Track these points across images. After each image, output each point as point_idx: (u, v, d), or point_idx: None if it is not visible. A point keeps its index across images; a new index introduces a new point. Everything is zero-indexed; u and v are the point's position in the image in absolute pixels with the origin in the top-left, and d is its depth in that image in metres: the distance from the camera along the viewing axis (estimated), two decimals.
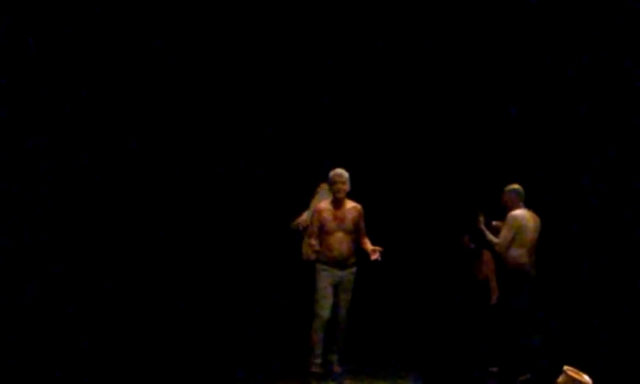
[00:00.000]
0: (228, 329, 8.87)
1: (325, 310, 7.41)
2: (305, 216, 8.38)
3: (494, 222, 8.00)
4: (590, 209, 8.96)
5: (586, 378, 6.22)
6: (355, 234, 7.51)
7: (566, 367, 6.26)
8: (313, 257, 7.57)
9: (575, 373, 6.22)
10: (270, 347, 8.59)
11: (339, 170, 7.48)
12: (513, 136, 9.37)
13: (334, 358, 7.55)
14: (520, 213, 7.75)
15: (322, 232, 7.48)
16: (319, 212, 7.52)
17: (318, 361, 7.47)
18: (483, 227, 7.88)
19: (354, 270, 7.54)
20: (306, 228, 8.27)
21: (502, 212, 7.85)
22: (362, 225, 7.54)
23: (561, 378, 6.21)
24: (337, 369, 7.54)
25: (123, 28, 9.10)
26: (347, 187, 7.48)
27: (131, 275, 9.10)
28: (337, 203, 7.50)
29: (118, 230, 9.13)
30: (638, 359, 7.88)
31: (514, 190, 7.85)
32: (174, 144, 9.39)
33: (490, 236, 7.79)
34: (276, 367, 7.94)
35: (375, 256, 7.31)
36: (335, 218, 7.46)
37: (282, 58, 9.57)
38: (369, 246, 7.44)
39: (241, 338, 8.68)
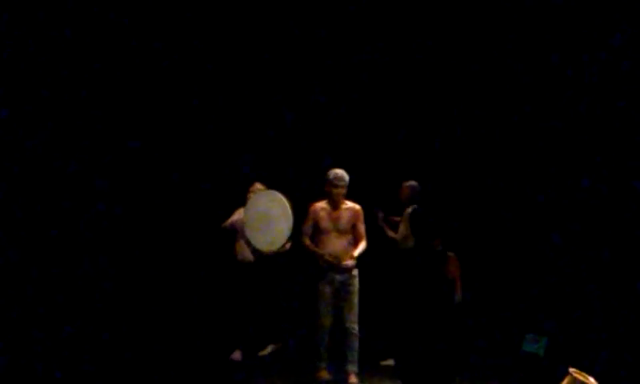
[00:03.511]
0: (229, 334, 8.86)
1: (326, 316, 7.30)
2: (236, 216, 8.34)
3: (395, 218, 8.29)
4: (590, 208, 8.99)
5: (592, 380, 6.21)
6: (352, 235, 7.36)
7: (571, 369, 6.24)
8: (322, 256, 7.36)
9: (581, 375, 6.21)
10: (274, 350, 8.61)
11: (339, 171, 7.35)
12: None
13: (350, 368, 7.34)
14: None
15: (317, 231, 7.36)
16: (314, 210, 7.38)
17: (324, 365, 7.37)
18: (383, 223, 8.15)
19: (354, 272, 7.35)
20: (235, 229, 8.27)
21: (399, 207, 8.10)
22: (360, 226, 7.39)
23: (566, 381, 6.19)
24: (353, 379, 7.34)
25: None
26: (345, 189, 7.35)
27: (130, 279, 9.10)
28: (333, 203, 7.36)
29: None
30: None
31: (411, 185, 8.12)
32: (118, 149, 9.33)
33: (390, 232, 7.95)
34: (282, 372, 7.94)
35: (345, 261, 7.20)
36: (330, 217, 7.34)
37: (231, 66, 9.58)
38: (353, 250, 7.28)
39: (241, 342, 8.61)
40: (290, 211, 7.86)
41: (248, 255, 8.37)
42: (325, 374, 7.38)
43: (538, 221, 9.13)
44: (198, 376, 7.64)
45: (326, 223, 7.35)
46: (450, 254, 7.96)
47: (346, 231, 7.35)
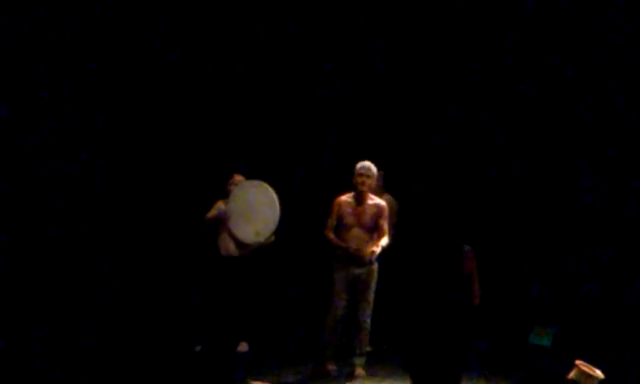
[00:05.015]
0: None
1: (338, 308, 7.25)
2: (216, 209, 8.11)
3: None
4: (595, 204, 9.02)
5: (598, 372, 6.21)
6: (375, 231, 7.28)
7: (577, 362, 6.24)
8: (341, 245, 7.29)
9: (587, 367, 6.20)
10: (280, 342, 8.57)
11: (367, 163, 7.28)
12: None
13: (357, 361, 7.34)
14: (389, 198, 8.08)
15: (340, 226, 7.29)
16: (339, 204, 7.32)
17: (331, 355, 7.35)
18: None
19: (373, 267, 7.29)
20: (218, 222, 8.07)
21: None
22: (383, 223, 7.29)
23: (573, 373, 6.19)
24: (359, 372, 7.32)
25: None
26: (372, 182, 7.28)
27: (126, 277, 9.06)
28: (358, 197, 7.30)
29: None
30: None
31: (380, 175, 7.96)
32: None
33: None
34: (289, 363, 7.87)
35: (371, 249, 7.14)
36: (354, 212, 7.27)
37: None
38: (376, 242, 7.22)
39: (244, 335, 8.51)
40: (276, 201, 7.78)
41: (232, 249, 8.20)
42: (332, 366, 7.36)
43: (545, 213, 9.16)
44: (203, 369, 7.59)
45: (349, 218, 7.27)
46: (466, 247, 7.89)
47: (369, 227, 7.28)
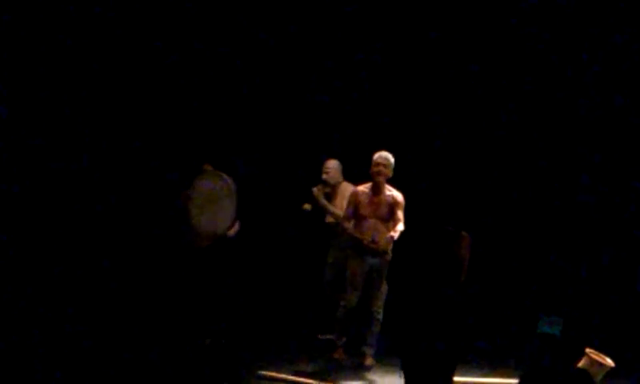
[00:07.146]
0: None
1: (352, 297, 7.28)
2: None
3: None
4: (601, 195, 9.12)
5: (609, 360, 6.20)
6: (391, 221, 7.27)
7: (588, 350, 6.24)
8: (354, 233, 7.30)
9: (597, 355, 6.20)
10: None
11: (384, 153, 7.27)
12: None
13: (368, 350, 7.35)
14: (346, 185, 7.98)
15: (357, 216, 7.31)
16: (355, 194, 7.35)
17: (341, 342, 7.37)
18: (324, 202, 8.02)
19: (387, 257, 7.17)
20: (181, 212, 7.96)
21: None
22: (399, 214, 7.27)
23: (583, 361, 6.19)
24: (369, 361, 7.34)
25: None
26: (389, 172, 7.26)
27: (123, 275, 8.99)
28: (375, 188, 7.30)
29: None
30: None
31: (338, 163, 8.04)
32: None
33: (337, 211, 7.89)
34: (298, 353, 7.88)
35: (389, 235, 7.12)
36: (371, 203, 7.28)
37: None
38: (392, 229, 7.18)
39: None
40: (234, 192, 7.73)
41: (196, 240, 7.97)
42: (341, 355, 7.39)
43: (553, 199, 9.21)
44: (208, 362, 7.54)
45: (365, 209, 7.29)
46: (464, 234, 7.83)
47: (385, 218, 7.29)
